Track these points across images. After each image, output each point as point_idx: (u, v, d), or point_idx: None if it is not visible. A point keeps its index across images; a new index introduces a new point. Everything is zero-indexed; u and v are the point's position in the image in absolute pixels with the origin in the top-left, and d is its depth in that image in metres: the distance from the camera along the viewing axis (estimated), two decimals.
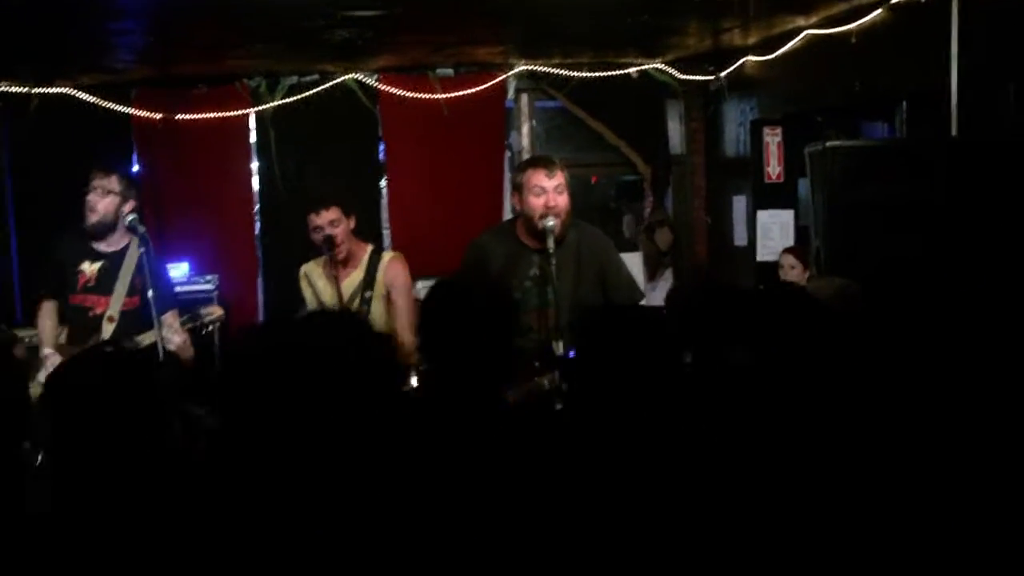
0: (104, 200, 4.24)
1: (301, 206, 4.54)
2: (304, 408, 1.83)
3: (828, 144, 3.93)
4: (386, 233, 6.70)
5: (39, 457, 2.91)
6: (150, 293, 3.97)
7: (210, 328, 4.38)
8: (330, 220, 4.22)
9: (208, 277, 6.13)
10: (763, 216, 6.26)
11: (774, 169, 6.28)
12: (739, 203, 6.57)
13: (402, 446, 1.98)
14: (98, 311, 4.30)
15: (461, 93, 6.46)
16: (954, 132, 4.22)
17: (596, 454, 2.10)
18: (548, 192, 3.80)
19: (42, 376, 4.03)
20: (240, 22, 4.87)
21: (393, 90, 6.44)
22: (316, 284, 4.35)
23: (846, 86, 5.12)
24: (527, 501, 1.99)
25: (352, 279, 4.29)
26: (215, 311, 4.39)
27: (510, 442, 2.20)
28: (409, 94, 6.43)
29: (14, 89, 6.07)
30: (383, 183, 6.73)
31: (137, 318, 4.23)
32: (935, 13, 4.30)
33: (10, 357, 3.21)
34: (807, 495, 2.05)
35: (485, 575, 1.91)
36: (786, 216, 6.22)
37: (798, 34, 5.47)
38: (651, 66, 6.67)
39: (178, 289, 5.08)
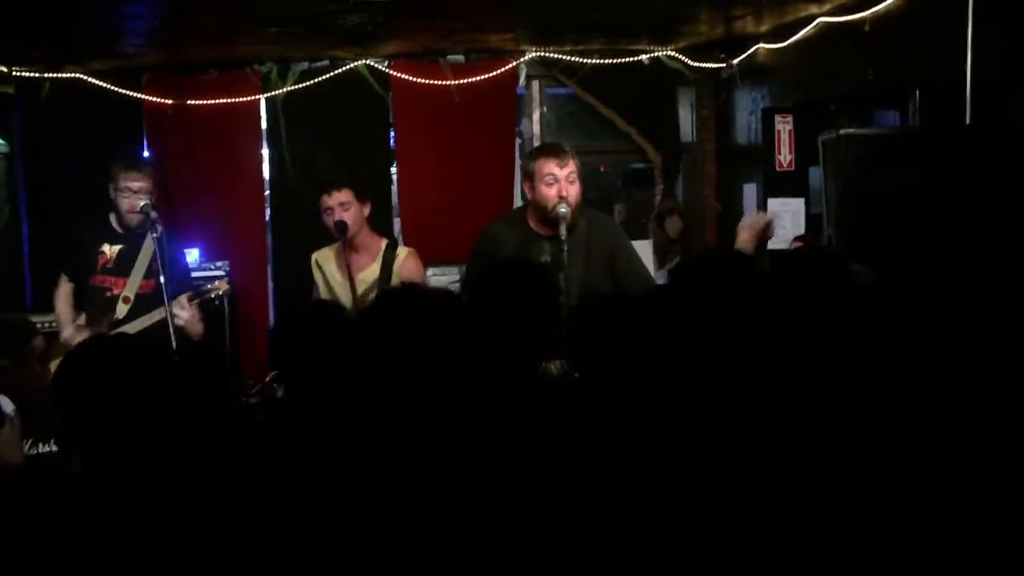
0: (142, 199, 4.31)
1: (312, 192, 4.55)
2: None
3: (842, 132, 3.91)
4: (396, 220, 6.70)
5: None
6: (161, 278, 4.03)
7: (216, 302, 4.44)
8: (341, 202, 4.19)
9: (219, 263, 6.14)
10: (774, 204, 6.24)
11: (785, 157, 6.27)
12: (750, 191, 6.55)
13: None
14: (116, 292, 4.39)
15: (472, 80, 6.44)
16: (968, 121, 4.20)
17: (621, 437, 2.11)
18: (560, 181, 3.81)
19: None
20: (251, 7, 4.87)
21: (404, 76, 6.42)
22: (328, 272, 4.33)
23: (859, 74, 5.09)
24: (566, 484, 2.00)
25: (367, 274, 4.26)
26: (220, 285, 4.44)
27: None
28: (420, 80, 6.42)
29: (26, 74, 6.08)
30: (393, 169, 6.71)
31: (152, 300, 4.30)
32: (950, 1, 4.27)
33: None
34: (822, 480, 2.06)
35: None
36: (797, 204, 6.20)
37: (811, 22, 5.45)
38: (663, 53, 6.64)
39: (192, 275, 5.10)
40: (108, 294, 4.41)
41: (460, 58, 6.52)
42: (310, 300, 4.30)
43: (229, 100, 6.31)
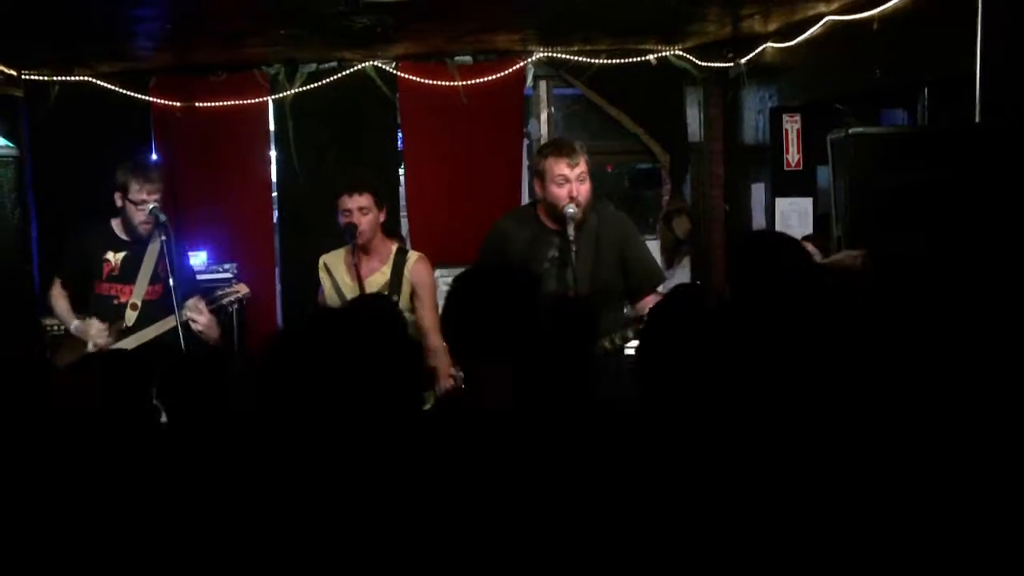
0: (151, 204, 4.28)
1: (319, 194, 4.55)
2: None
3: (851, 131, 3.89)
4: (404, 221, 6.70)
5: None
6: (171, 281, 4.03)
7: (235, 306, 4.43)
8: (360, 206, 4.13)
9: (226, 265, 6.15)
10: (782, 204, 6.24)
11: (793, 156, 6.26)
12: (758, 190, 6.54)
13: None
14: (123, 299, 4.37)
15: (480, 80, 6.44)
16: (977, 119, 4.18)
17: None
18: (571, 182, 3.83)
19: (91, 347, 4.12)
20: (259, 9, 4.87)
21: (412, 78, 6.43)
22: (337, 275, 4.30)
23: (867, 73, 5.08)
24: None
25: (376, 278, 4.23)
26: (239, 288, 4.43)
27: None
28: (428, 81, 6.42)
29: (34, 77, 6.10)
30: (401, 171, 6.72)
31: (160, 305, 4.29)
32: None
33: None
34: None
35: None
36: (805, 204, 6.20)
37: (819, 20, 5.43)
38: (670, 53, 6.63)
39: (198, 278, 5.11)
40: (115, 302, 4.37)
41: (468, 59, 6.53)
42: (317, 303, 4.30)
43: (237, 102, 6.32)
